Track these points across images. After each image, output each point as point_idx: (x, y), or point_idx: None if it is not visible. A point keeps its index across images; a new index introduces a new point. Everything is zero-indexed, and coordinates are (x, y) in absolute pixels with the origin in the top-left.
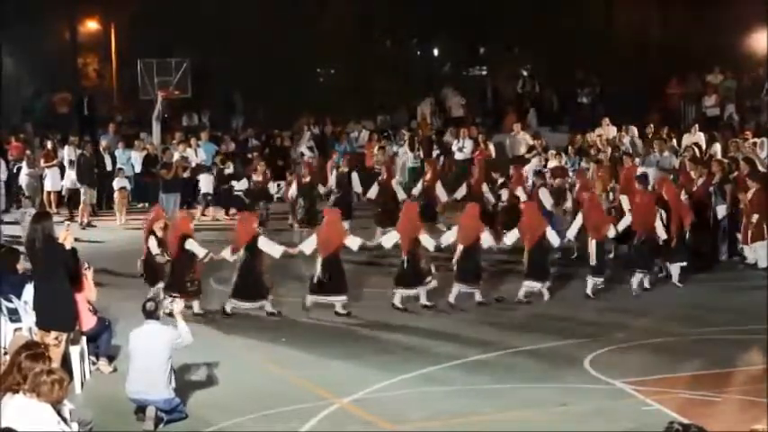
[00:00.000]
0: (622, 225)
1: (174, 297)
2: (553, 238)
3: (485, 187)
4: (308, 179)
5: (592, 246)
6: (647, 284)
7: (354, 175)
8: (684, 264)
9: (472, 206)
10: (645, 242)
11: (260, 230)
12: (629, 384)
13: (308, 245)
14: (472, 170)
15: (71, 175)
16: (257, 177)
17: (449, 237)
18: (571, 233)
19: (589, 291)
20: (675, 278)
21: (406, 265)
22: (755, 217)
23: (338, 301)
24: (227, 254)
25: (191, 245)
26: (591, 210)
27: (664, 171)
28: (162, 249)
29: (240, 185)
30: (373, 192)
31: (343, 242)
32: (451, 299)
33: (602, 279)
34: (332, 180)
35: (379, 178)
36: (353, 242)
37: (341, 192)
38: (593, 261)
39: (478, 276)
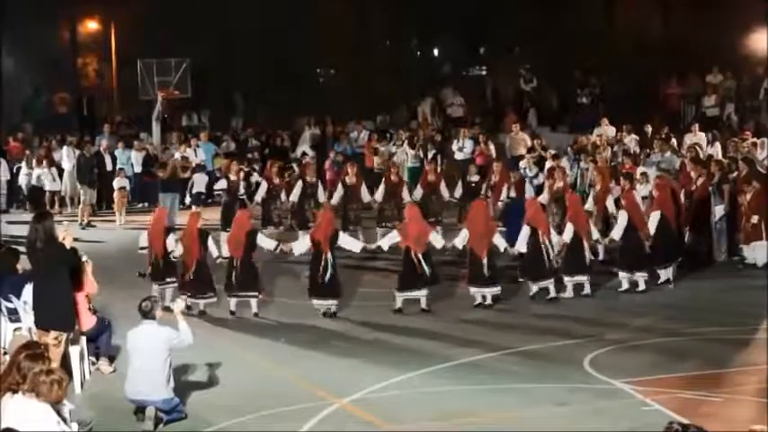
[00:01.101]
0: (653, 224)
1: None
2: (499, 241)
3: (442, 186)
4: (312, 179)
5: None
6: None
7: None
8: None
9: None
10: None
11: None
12: (629, 384)
13: (388, 241)
14: (426, 168)
15: (38, 174)
16: (233, 177)
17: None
18: (616, 234)
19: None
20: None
21: (485, 265)
22: (755, 218)
23: (424, 296)
24: (296, 247)
25: (261, 239)
26: (633, 208)
27: (663, 171)
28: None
29: (219, 185)
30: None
31: (429, 238)
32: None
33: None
34: (296, 191)
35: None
36: (438, 240)
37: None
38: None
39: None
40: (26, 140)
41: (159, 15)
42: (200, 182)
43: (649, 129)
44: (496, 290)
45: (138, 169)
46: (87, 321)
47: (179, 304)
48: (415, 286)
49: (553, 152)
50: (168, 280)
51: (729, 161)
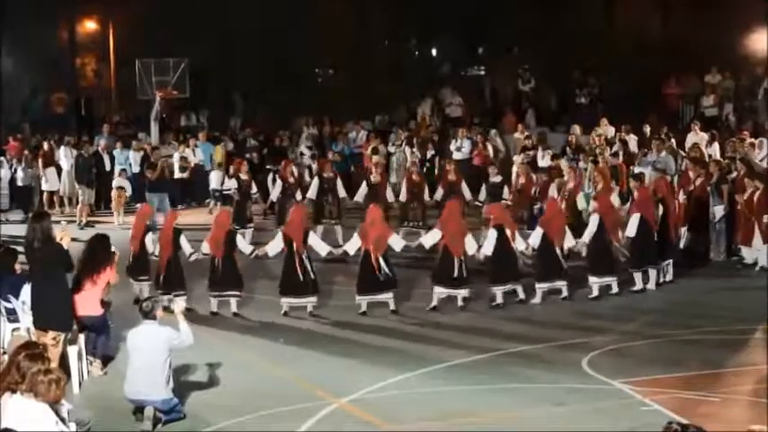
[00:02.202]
0: (631, 227)
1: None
2: (470, 244)
3: (463, 185)
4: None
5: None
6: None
7: (338, 180)
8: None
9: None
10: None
11: (234, 227)
12: (628, 384)
13: (353, 245)
14: (447, 168)
15: (22, 174)
16: (243, 176)
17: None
18: (587, 237)
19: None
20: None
21: (456, 266)
22: (767, 218)
23: (389, 299)
24: (270, 249)
25: (239, 241)
26: (605, 211)
27: (659, 171)
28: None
29: (229, 184)
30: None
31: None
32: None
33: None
34: (313, 187)
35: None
36: (397, 242)
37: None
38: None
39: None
40: (25, 140)
41: (158, 15)
42: (215, 179)
43: (648, 129)
44: (465, 291)
45: (136, 169)
46: (94, 308)
47: (179, 304)
48: (375, 289)
49: (551, 152)
50: (141, 278)
51: (728, 161)
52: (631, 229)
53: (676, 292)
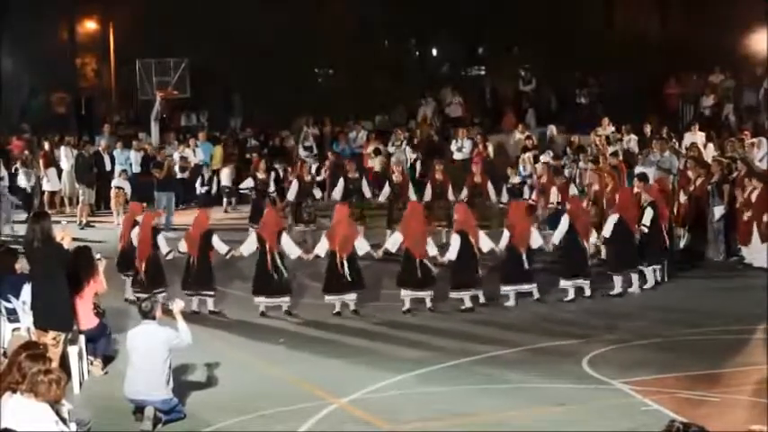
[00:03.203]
0: (607, 228)
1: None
2: (431, 246)
3: (489, 186)
4: (308, 179)
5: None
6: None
7: (364, 182)
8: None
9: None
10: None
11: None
12: (628, 384)
13: (322, 247)
14: (473, 170)
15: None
16: (261, 175)
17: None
18: (557, 238)
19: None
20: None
21: (418, 267)
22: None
23: (352, 300)
24: (244, 249)
25: (215, 241)
26: (577, 214)
27: (663, 171)
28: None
29: (245, 184)
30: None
31: (354, 242)
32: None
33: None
34: (339, 188)
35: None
36: (362, 246)
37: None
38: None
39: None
40: (29, 141)
41: (158, 15)
42: (225, 176)
43: (648, 129)
44: (431, 292)
45: (136, 169)
46: (88, 321)
47: (178, 304)
48: (339, 290)
49: (551, 153)
50: (127, 273)
51: (729, 161)
52: (606, 230)
53: (676, 292)
